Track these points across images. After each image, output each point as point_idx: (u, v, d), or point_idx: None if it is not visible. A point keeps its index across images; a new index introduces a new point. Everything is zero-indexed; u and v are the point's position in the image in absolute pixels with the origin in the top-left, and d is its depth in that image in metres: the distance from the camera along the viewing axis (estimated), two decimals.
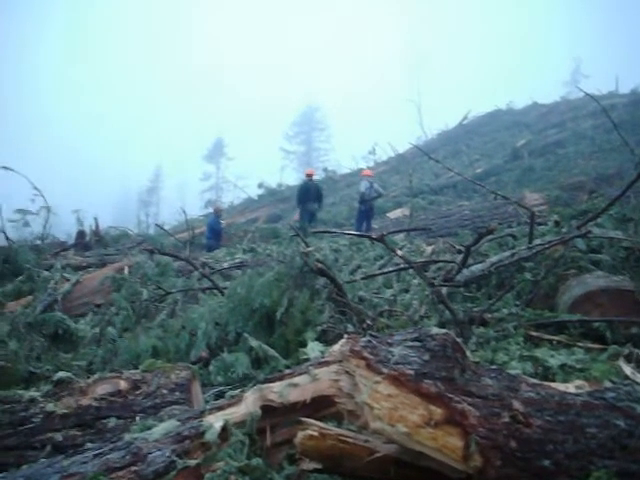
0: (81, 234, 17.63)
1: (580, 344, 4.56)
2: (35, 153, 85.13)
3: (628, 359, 4.03)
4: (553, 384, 2.73)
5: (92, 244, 17.16)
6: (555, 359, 4.19)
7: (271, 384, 2.77)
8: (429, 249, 10.62)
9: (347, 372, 2.49)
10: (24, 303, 9.69)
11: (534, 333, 4.86)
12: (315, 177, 20.78)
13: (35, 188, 15.49)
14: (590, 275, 5.53)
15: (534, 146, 27.07)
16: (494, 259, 6.45)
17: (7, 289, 10.75)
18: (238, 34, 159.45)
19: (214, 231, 18.33)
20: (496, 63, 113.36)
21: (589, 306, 5.15)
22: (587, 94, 11.44)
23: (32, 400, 3.89)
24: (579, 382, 2.80)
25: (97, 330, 8.05)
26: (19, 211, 15.11)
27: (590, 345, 4.53)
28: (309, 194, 18.62)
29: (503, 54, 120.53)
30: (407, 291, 7.14)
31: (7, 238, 13.22)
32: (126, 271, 10.92)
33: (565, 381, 3.48)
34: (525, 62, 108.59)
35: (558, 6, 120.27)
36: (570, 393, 2.47)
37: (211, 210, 20.12)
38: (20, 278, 11.22)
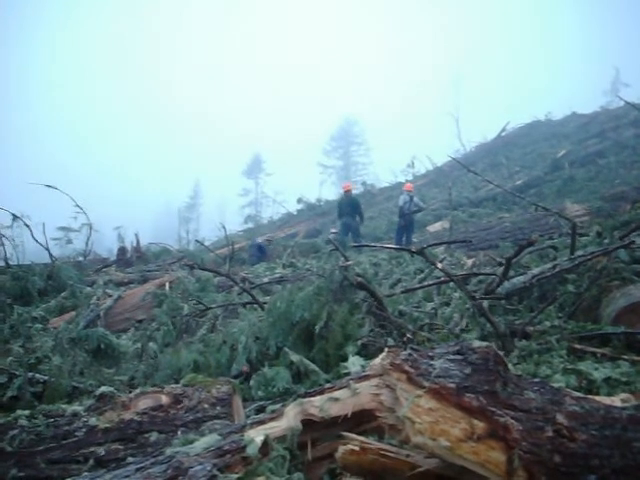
0: (122, 250, 17.85)
1: (625, 357, 4.49)
2: (76, 170, 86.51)
3: None
4: (598, 397, 2.69)
5: (133, 260, 17.35)
6: (599, 372, 4.13)
7: (312, 398, 2.76)
8: (470, 262, 10.55)
9: (388, 386, 2.48)
10: (67, 319, 9.82)
11: (577, 346, 4.80)
12: (353, 191, 20.74)
13: (77, 206, 15.73)
14: (634, 286, 5.44)
15: (574, 157, 26.76)
16: (535, 271, 6.38)
17: (51, 305, 10.91)
18: (275, 50, 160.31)
19: (261, 249, 18.71)
20: (534, 74, 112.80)
21: (634, 318, 5.06)
22: (628, 103, 11.32)
23: (75, 414, 3.93)
24: (625, 395, 2.76)
25: (139, 345, 8.12)
26: (62, 229, 15.36)
27: (635, 358, 4.45)
28: (343, 208, 18.76)
29: (541, 64, 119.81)
30: (448, 304, 7.09)
31: (50, 255, 13.42)
32: (167, 287, 11.02)
33: (610, 394, 3.43)
34: (563, 72, 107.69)
35: (596, 15, 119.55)
36: (616, 407, 2.43)
37: (258, 239, 20.54)
38: (63, 294, 11.39)
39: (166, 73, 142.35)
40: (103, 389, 4.15)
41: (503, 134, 41.72)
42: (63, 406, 4.21)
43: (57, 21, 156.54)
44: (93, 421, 3.81)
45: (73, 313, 10.14)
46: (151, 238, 26.11)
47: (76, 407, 4.08)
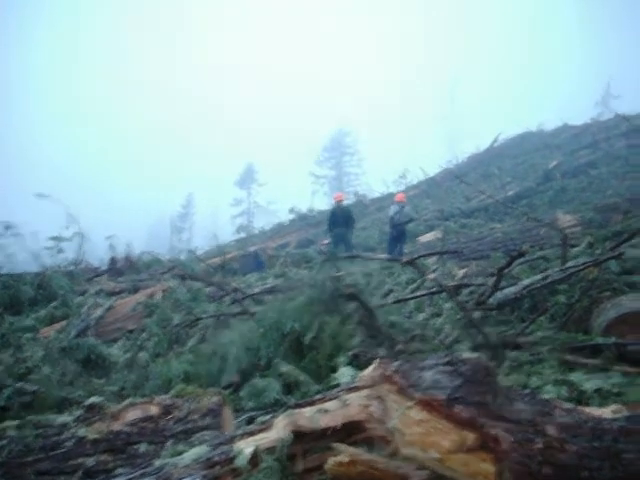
0: (114, 260, 17.78)
1: (618, 367, 4.49)
2: (68, 179, 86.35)
3: None
4: (588, 409, 2.68)
5: (125, 270, 17.28)
6: (590, 383, 4.13)
7: (302, 409, 2.75)
8: (461, 272, 10.56)
9: (379, 397, 2.47)
10: (58, 328, 9.77)
11: (569, 357, 4.80)
12: (345, 201, 20.85)
13: (69, 215, 15.67)
14: (625, 297, 5.45)
15: (566, 167, 26.85)
16: (527, 282, 6.39)
17: (41, 314, 10.86)
18: (269, 61, 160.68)
19: (258, 259, 19.17)
20: (526, 85, 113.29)
21: (624, 328, 5.07)
22: (618, 114, 11.39)
23: (64, 425, 3.90)
24: (615, 407, 2.75)
25: (129, 355, 8.09)
26: (53, 238, 15.31)
27: (627, 368, 4.45)
28: (337, 219, 18.70)
29: (533, 77, 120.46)
30: (439, 315, 7.09)
31: (41, 264, 13.36)
32: (158, 297, 10.99)
33: (601, 405, 3.43)
34: (556, 84, 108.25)
35: (587, 28, 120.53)
36: (606, 418, 2.42)
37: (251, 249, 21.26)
38: (54, 304, 11.33)
39: (163, 81, 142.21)
40: (92, 399, 4.12)
41: (495, 145, 41.87)
42: (52, 417, 4.18)
43: (57, 22, 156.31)
44: (82, 432, 3.79)
45: (64, 322, 10.10)
46: (144, 247, 26.03)
47: (65, 418, 4.05)
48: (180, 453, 2.76)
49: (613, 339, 4.92)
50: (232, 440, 2.73)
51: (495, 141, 41.90)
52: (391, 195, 30.35)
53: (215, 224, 60.25)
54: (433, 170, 39.36)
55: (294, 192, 52.79)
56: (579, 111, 48.63)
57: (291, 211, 35.53)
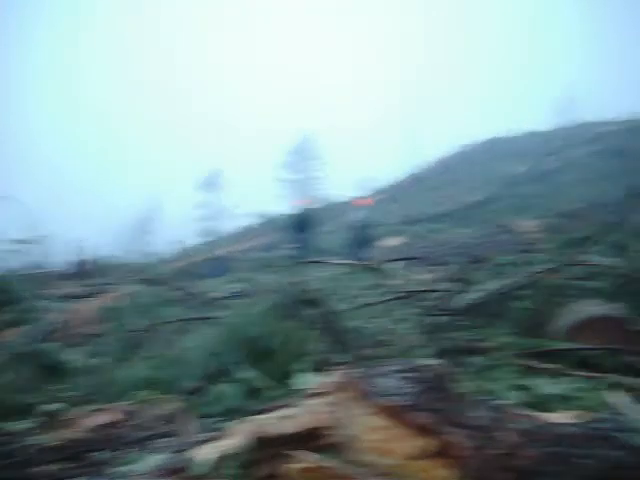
0: (80, 263, 17.63)
1: (578, 373, 4.54)
2: (32, 181, 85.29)
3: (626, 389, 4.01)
4: (548, 414, 2.71)
5: (90, 273, 17.13)
6: (551, 388, 4.17)
7: (265, 415, 2.74)
8: (426, 277, 10.61)
9: (341, 403, 2.47)
10: (20, 333, 9.65)
11: (531, 362, 4.84)
12: (309, 205, 20.92)
13: (33, 217, 15.51)
14: (585, 303, 5.52)
15: (531, 173, 27.16)
16: (490, 287, 6.44)
17: (2, 318, 10.70)
18: (234, 63, 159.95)
19: (222, 263, 19.30)
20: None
21: (585, 334, 5.13)
22: (581, 123, 11.54)
23: (24, 432, 3.86)
24: (574, 412, 2.78)
25: (92, 360, 8.00)
26: (17, 240, 15.12)
27: (585, 374, 4.50)
28: (300, 223, 18.71)
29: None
30: (403, 320, 7.11)
31: (4, 267, 13.20)
32: (123, 300, 10.92)
33: (562, 411, 3.46)
34: (520, 90, 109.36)
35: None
36: (565, 423, 2.45)
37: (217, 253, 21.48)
38: (15, 307, 11.17)
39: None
40: (53, 406, 4.08)
41: (462, 150, 42.22)
42: (12, 423, 4.13)
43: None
44: (42, 439, 3.75)
45: (25, 327, 9.97)
46: (108, 250, 25.82)
47: (25, 425, 4.01)
48: (140, 460, 2.75)
49: (574, 344, 4.98)
50: (193, 446, 2.72)
51: (462, 147, 42.29)
52: (357, 199, 30.46)
53: (182, 227, 59.86)
54: (400, 175, 39.65)
55: (260, 196, 52.72)
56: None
57: (256, 215, 35.57)
